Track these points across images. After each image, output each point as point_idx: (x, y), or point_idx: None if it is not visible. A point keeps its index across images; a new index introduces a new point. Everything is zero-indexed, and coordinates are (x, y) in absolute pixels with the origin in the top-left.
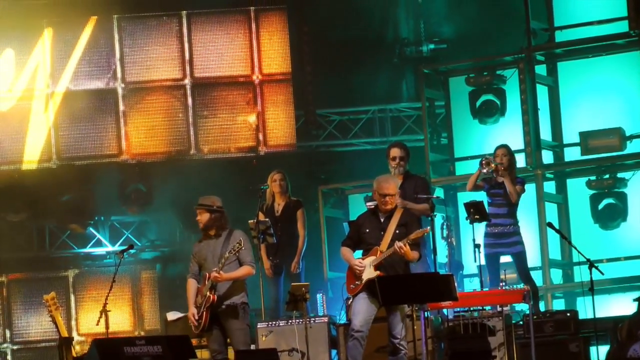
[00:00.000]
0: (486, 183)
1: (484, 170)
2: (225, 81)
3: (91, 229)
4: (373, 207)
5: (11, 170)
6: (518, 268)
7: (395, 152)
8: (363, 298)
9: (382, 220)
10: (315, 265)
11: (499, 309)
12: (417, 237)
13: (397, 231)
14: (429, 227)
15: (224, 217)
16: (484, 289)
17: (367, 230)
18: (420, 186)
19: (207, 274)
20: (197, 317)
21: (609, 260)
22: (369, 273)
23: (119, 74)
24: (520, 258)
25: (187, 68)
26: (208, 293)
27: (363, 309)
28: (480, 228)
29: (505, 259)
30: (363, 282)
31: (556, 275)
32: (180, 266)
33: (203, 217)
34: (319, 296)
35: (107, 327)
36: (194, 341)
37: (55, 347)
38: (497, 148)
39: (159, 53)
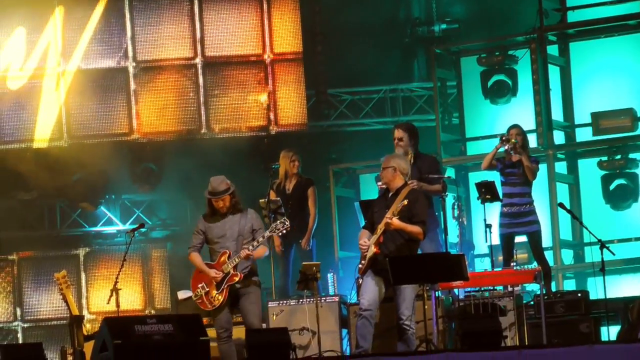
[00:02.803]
0: (499, 162)
1: (506, 147)
2: (236, 60)
3: (102, 207)
4: (384, 187)
5: (22, 148)
6: (532, 247)
7: (397, 132)
8: (370, 277)
9: (388, 199)
10: (326, 244)
11: (509, 289)
12: (397, 210)
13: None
14: (406, 200)
15: (237, 195)
16: (495, 269)
17: (376, 210)
18: (430, 166)
19: (228, 251)
20: (217, 292)
21: (620, 240)
22: (370, 251)
23: (130, 53)
24: (535, 237)
25: (199, 47)
26: (232, 271)
27: (370, 288)
28: (491, 208)
29: (518, 238)
30: (366, 260)
31: (567, 256)
32: None
33: (226, 202)
34: (329, 275)
35: (117, 305)
36: (205, 320)
37: (66, 325)
38: (510, 128)
39: (170, 32)
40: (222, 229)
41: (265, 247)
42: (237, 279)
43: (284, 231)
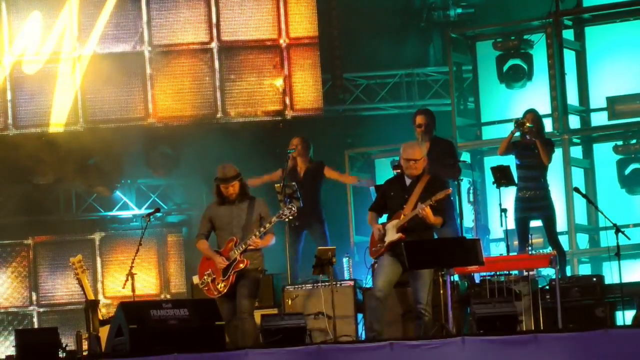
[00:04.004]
0: (515, 147)
1: (521, 130)
2: (252, 45)
3: (118, 192)
4: (400, 171)
5: (38, 133)
6: (547, 232)
7: (419, 119)
8: (386, 260)
9: (407, 184)
10: (342, 229)
11: (525, 273)
12: (440, 199)
13: (422, 196)
14: (450, 189)
15: (244, 181)
16: (511, 254)
17: (392, 194)
18: (446, 150)
19: (235, 238)
20: (223, 278)
21: (635, 225)
22: (392, 236)
23: (145, 37)
24: (549, 222)
25: (214, 31)
26: (238, 257)
27: (385, 271)
28: (507, 192)
29: (534, 223)
30: (385, 244)
31: (582, 240)
32: None
33: (236, 188)
34: (345, 260)
35: (133, 290)
36: None
37: (81, 309)
38: (526, 113)
39: (186, 16)
40: (229, 217)
41: (272, 236)
42: (243, 265)
43: (291, 217)
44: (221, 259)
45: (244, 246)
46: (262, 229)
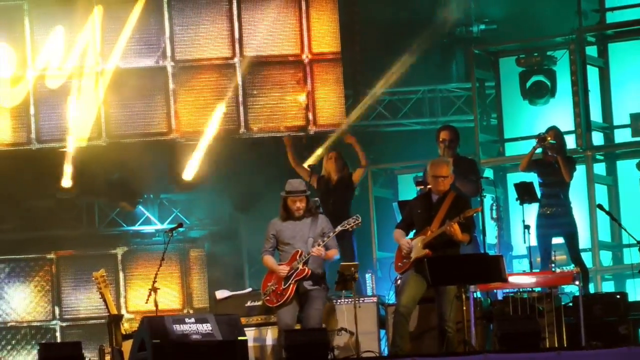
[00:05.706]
0: (537, 164)
1: (544, 144)
2: (275, 60)
3: (140, 206)
4: (426, 189)
5: (61, 147)
6: (569, 249)
7: (444, 134)
8: (411, 276)
9: (434, 202)
10: (364, 245)
11: (548, 290)
12: (469, 216)
13: (449, 213)
14: (480, 207)
15: (311, 201)
16: (534, 270)
17: (419, 211)
18: (469, 167)
19: (300, 251)
20: (283, 287)
21: None
22: (418, 251)
23: (168, 53)
24: (572, 239)
25: (237, 47)
26: (300, 266)
27: (410, 287)
28: (530, 209)
29: (556, 240)
30: (411, 260)
31: (606, 257)
32: (229, 245)
33: (303, 203)
34: (367, 276)
35: (156, 305)
36: (243, 320)
37: (104, 324)
38: (548, 130)
39: (208, 31)
40: (293, 231)
41: (336, 251)
42: (304, 274)
43: (355, 226)
44: (282, 267)
45: (307, 256)
46: (325, 239)
